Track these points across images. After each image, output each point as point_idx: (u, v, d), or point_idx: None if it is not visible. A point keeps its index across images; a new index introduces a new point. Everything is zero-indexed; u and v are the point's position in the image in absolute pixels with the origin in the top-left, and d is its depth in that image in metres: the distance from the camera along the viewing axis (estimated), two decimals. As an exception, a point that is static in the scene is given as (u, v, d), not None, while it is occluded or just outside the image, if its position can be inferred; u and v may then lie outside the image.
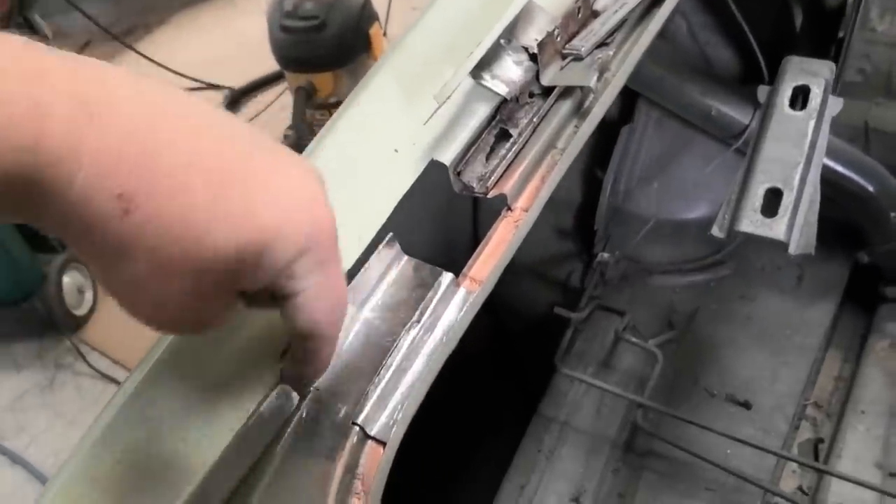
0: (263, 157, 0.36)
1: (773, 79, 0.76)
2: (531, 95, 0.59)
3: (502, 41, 0.58)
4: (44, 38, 2.12)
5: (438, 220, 0.54)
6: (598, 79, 0.59)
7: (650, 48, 1.09)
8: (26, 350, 2.11)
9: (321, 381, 0.47)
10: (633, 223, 1.19)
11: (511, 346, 1.25)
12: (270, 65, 2.64)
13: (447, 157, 0.55)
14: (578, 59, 0.60)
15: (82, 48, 3.14)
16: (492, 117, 0.58)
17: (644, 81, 1.09)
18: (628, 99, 1.17)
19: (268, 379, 0.45)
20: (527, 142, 0.57)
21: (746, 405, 1.06)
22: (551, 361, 1.08)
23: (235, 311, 0.38)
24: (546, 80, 0.59)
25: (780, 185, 0.68)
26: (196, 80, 2.93)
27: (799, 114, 0.72)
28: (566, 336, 1.07)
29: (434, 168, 0.54)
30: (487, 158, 0.57)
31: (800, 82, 0.73)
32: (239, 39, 3.09)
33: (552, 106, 0.59)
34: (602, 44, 0.62)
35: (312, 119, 2.43)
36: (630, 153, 1.17)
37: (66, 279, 2.08)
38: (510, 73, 0.58)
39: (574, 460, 1.04)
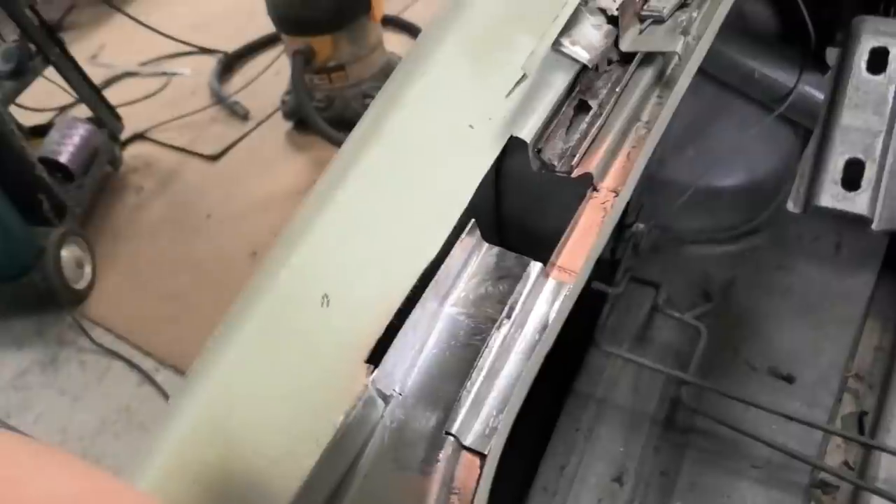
0: None
1: (823, 38, 0.71)
2: (609, 63, 0.54)
3: (579, 4, 0.53)
4: (31, 2, 2.02)
5: (525, 204, 0.49)
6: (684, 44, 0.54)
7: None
8: (25, 327, 2.06)
9: (406, 386, 0.43)
10: (666, 191, 1.15)
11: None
12: (264, 26, 2.55)
13: (526, 132, 0.50)
14: (659, 21, 0.55)
15: (67, 11, 3.02)
16: (571, 88, 0.52)
17: (684, 43, 1.03)
18: (664, 61, 1.11)
19: (353, 387, 0.41)
20: (609, 115, 0.52)
21: (789, 379, 1.02)
22: (587, 337, 1.04)
23: None
24: (626, 46, 0.54)
25: (861, 156, 0.64)
26: (188, 45, 2.83)
27: (878, 78, 0.67)
28: (604, 311, 1.03)
29: (514, 146, 0.49)
30: (567, 133, 0.52)
31: (878, 44, 0.68)
32: (229, 2, 2.98)
33: (633, 74, 0.54)
34: (682, 4, 0.56)
35: (311, 84, 2.35)
36: (665, 119, 1.12)
37: (64, 253, 2.02)
38: (590, 37, 0.52)
39: (613, 439, 1.01)
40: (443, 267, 0.45)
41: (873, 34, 0.69)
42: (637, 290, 1.14)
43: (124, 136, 2.47)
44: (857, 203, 0.62)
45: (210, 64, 2.78)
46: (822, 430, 0.93)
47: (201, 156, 2.49)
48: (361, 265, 0.44)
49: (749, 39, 1.04)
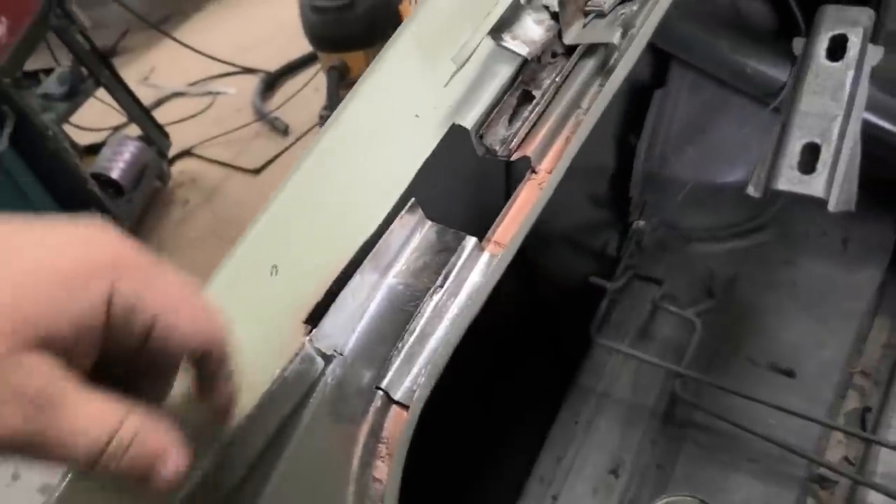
0: (19, 222, 0.33)
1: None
2: (554, 55, 0.58)
3: (522, 1, 0.57)
4: (82, 28, 2.16)
5: (463, 185, 0.53)
6: (622, 35, 0.57)
7: (678, 3, 1.06)
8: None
9: (347, 347, 0.47)
10: (669, 189, 1.17)
11: (548, 316, 1.24)
12: (304, 47, 2.65)
13: (469, 120, 0.54)
14: (601, 15, 0.59)
15: (121, 37, 3.20)
16: (514, 79, 0.56)
17: (675, 41, 1.06)
18: (661, 62, 1.14)
19: (292, 345, 0.45)
20: (550, 103, 0.56)
21: (790, 373, 1.03)
22: (588, 332, 1.07)
23: (124, 404, 0.34)
24: (568, 39, 0.57)
25: (817, 140, 0.66)
26: (233, 65, 2.96)
27: (836, 64, 0.69)
28: (601, 306, 1.05)
29: (456, 132, 0.53)
30: (510, 121, 0.56)
31: (837, 31, 0.70)
32: (273, 23, 3.11)
33: (575, 65, 0.58)
34: (625, 0, 0.60)
35: (346, 98, 2.43)
36: (664, 117, 1.14)
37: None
38: (531, 32, 0.56)
39: (612, 431, 1.03)
40: (382, 240, 0.49)
41: (833, 22, 0.71)
42: (641, 287, 1.16)
43: (172, 152, 2.60)
44: (813, 185, 0.64)
45: (253, 83, 2.91)
46: (819, 423, 0.94)
47: (244, 170, 2.60)
48: (308, 240, 0.49)
49: (741, 35, 1.05)
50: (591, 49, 0.58)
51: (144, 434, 0.33)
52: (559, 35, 0.58)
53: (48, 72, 2.20)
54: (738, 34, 1.06)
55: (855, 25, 0.70)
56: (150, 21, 2.99)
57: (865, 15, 0.71)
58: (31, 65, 2.12)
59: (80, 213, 2.11)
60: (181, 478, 0.34)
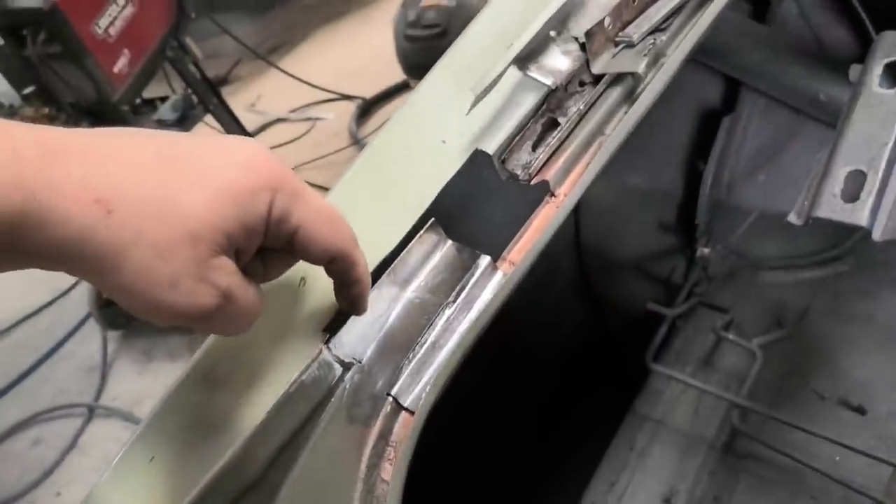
0: (199, 141, 0.42)
1: None
2: (582, 84, 0.60)
3: (552, 33, 0.60)
4: (195, 59, 2.35)
5: (485, 207, 0.56)
6: (650, 65, 0.59)
7: (746, 31, 1.05)
8: (179, 342, 2.34)
9: (364, 356, 0.51)
10: (737, 216, 1.14)
11: (612, 342, 1.24)
12: (398, 74, 2.75)
13: (492, 146, 0.57)
14: (630, 45, 0.60)
15: (233, 67, 3.43)
16: (539, 107, 0.59)
17: (745, 67, 1.04)
18: (731, 88, 1.12)
19: (309, 352, 0.50)
20: (573, 129, 0.58)
21: (860, 410, 0.98)
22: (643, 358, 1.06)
23: (254, 285, 0.43)
24: (596, 69, 0.59)
25: (863, 168, 0.64)
26: (331, 92, 3.11)
27: (889, 92, 0.67)
28: (659, 332, 1.05)
29: (478, 157, 0.56)
30: (535, 147, 0.58)
31: (892, 58, 0.68)
32: (372, 52, 3.24)
33: (602, 94, 0.59)
34: (657, 29, 0.61)
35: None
36: (733, 144, 1.13)
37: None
38: (557, 63, 0.59)
39: (667, 460, 1.02)
40: (401, 256, 0.53)
41: (889, 48, 0.69)
42: (706, 315, 1.15)
43: (272, 174, 2.75)
44: (856, 214, 0.63)
45: (350, 109, 3.04)
46: (886, 462, 0.89)
47: (336, 192, 2.71)
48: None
49: (815, 62, 1.03)
50: (618, 78, 0.59)
51: None
52: (587, 64, 0.60)
53: (164, 99, 2.40)
54: (811, 61, 1.03)
55: (912, 51, 0.68)
56: (260, 51, 3.19)
57: (925, 40, 0.69)
58: (149, 93, 2.32)
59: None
60: None
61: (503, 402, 0.94)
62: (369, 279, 0.48)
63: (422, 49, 2.45)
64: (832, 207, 0.64)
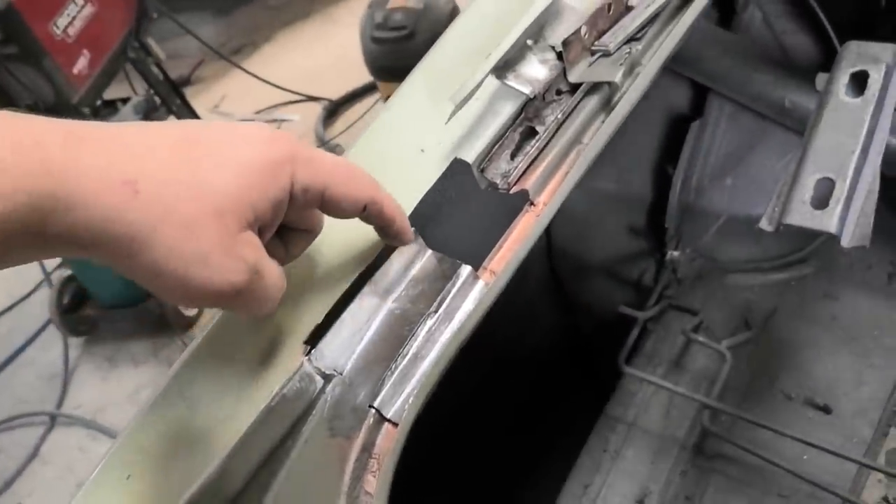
0: (219, 125, 0.43)
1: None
2: (559, 93, 0.61)
3: (529, 41, 0.60)
4: (157, 60, 2.30)
5: (465, 217, 0.56)
6: (626, 74, 0.59)
7: (714, 38, 1.06)
8: (143, 347, 2.29)
9: (346, 367, 0.51)
10: (706, 220, 1.16)
11: (584, 345, 1.25)
12: (365, 75, 2.74)
13: (471, 155, 0.57)
14: (607, 55, 0.61)
15: (195, 67, 3.37)
16: (517, 116, 0.59)
17: (713, 74, 1.06)
18: (699, 94, 1.14)
19: (291, 364, 0.49)
20: (551, 138, 0.58)
21: (826, 409, 1.01)
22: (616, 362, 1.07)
23: (278, 264, 0.44)
24: (573, 78, 0.60)
25: (832, 176, 0.66)
26: (296, 93, 3.08)
27: (855, 101, 0.68)
28: (631, 335, 1.06)
29: (458, 166, 0.56)
30: (513, 156, 0.58)
31: (857, 68, 0.70)
32: (337, 53, 3.22)
33: (579, 102, 0.60)
34: (632, 39, 0.62)
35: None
36: (702, 149, 1.14)
37: (177, 282, 2.24)
38: (535, 72, 0.59)
39: (640, 461, 1.03)
40: (381, 268, 0.52)
41: (855, 58, 0.71)
42: (675, 318, 1.16)
43: (237, 177, 2.71)
44: (825, 221, 0.64)
45: (317, 110, 3.01)
46: (852, 460, 0.91)
47: (304, 195, 2.69)
48: (312, 266, 0.53)
49: (781, 70, 1.05)
50: (595, 87, 0.60)
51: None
52: (564, 74, 0.60)
53: (125, 101, 2.35)
54: (777, 69, 1.05)
55: (877, 62, 0.70)
56: (223, 52, 3.14)
57: (889, 51, 0.71)
58: (109, 94, 2.27)
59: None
60: None
61: (477, 409, 0.94)
62: (402, 211, 0.50)
63: (389, 51, 2.44)
64: (802, 214, 0.65)
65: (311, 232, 0.50)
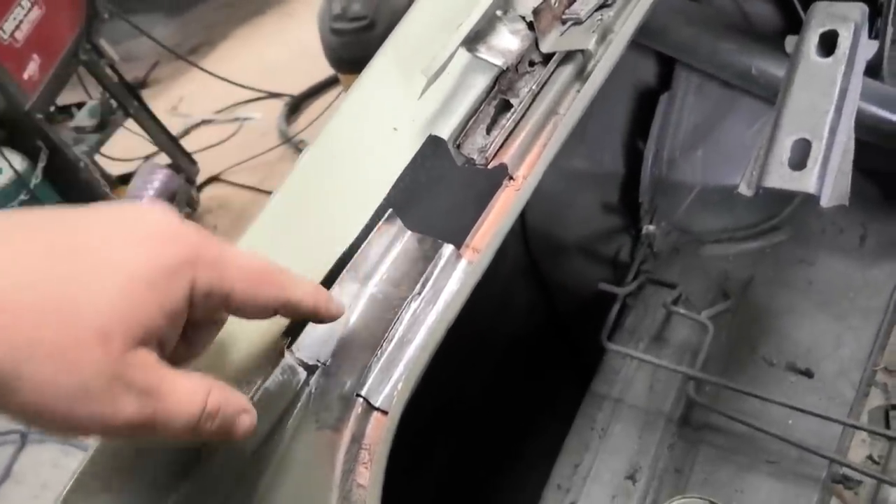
0: (98, 219, 0.37)
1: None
2: (532, 64, 0.59)
3: (498, 12, 0.58)
4: (111, 62, 2.24)
5: (443, 194, 0.54)
6: (599, 41, 0.58)
7: (678, 9, 1.06)
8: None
9: (329, 357, 0.49)
10: (678, 193, 1.16)
11: (564, 324, 1.25)
12: (327, 69, 2.70)
13: (446, 131, 0.55)
14: (578, 22, 0.59)
15: (151, 69, 3.30)
16: (490, 89, 0.57)
17: (678, 45, 1.06)
18: (666, 66, 1.14)
19: (273, 357, 0.47)
20: (527, 111, 0.57)
21: (808, 373, 1.01)
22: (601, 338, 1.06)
23: (188, 373, 0.39)
24: (545, 48, 0.58)
25: (807, 136, 0.65)
26: (257, 90, 3.03)
27: (826, 61, 0.68)
28: (612, 311, 1.05)
29: (433, 143, 0.55)
30: (489, 130, 0.57)
31: (827, 28, 0.69)
32: (297, 48, 3.17)
33: (553, 73, 0.58)
34: (603, 5, 0.61)
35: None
36: (671, 121, 1.14)
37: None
38: (506, 43, 0.57)
39: (628, 437, 1.02)
40: (359, 251, 0.50)
41: (823, 18, 0.70)
42: (654, 292, 1.16)
43: (200, 179, 2.67)
44: (804, 182, 0.64)
45: (278, 107, 2.97)
46: (837, 422, 0.92)
47: (270, 193, 2.64)
48: (289, 253, 0.51)
49: (745, 37, 1.05)
50: (568, 56, 0.59)
51: (226, 402, 0.39)
52: (536, 44, 0.58)
53: (80, 105, 2.28)
54: (742, 36, 1.05)
55: (846, 21, 0.69)
56: (179, 52, 3.07)
57: (857, 10, 0.70)
58: (64, 99, 2.20)
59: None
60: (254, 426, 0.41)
61: (459, 392, 0.93)
62: (325, 296, 0.45)
63: (349, 43, 2.40)
64: (781, 176, 0.64)
65: (220, 324, 0.44)
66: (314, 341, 0.48)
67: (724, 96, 1.13)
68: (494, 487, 1.03)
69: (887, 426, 0.99)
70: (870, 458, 0.97)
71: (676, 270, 1.17)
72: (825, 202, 0.64)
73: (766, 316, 1.09)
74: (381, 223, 0.51)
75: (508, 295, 1.15)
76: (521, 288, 1.18)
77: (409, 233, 0.53)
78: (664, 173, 1.17)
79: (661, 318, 1.13)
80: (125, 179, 2.46)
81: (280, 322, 0.48)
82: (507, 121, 0.56)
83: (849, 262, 1.10)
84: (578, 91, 0.58)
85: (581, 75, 0.59)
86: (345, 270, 0.50)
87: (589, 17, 0.59)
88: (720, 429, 1.00)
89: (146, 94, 2.87)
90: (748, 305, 1.10)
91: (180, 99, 3.20)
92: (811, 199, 0.65)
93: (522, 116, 0.56)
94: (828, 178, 0.64)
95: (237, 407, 0.40)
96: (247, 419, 0.41)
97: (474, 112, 0.57)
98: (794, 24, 1.05)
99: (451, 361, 0.77)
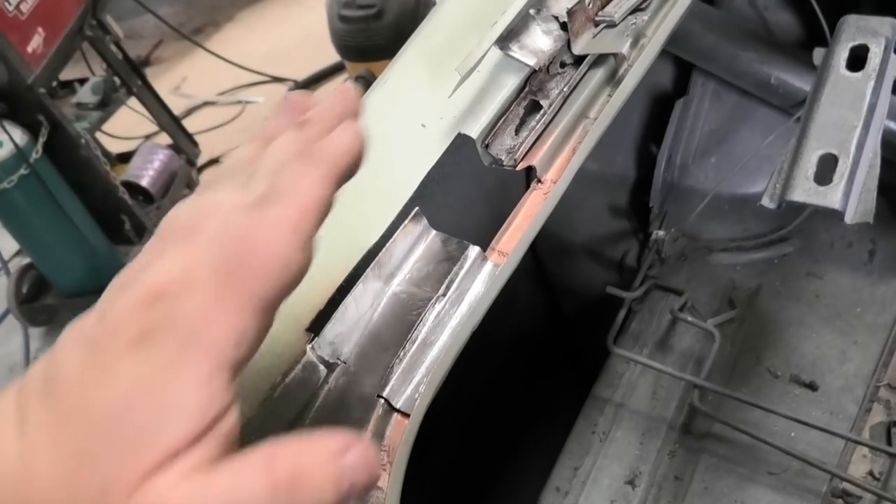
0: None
1: (835, 41, 0.72)
2: (563, 66, 0.58)
3: (531, 11, 0.57)
4: (116, 39, 2.21)
5: (470, 195, 0.54)
6: (632, 45, 0.57)
7: (699, 14, 1.05)
8: (108, 337, 2.22)
9: (350, 355, 0.48)
10: (690, 199, 1.15)
11: (568, 327, 1.24)
12: (332, 55, 2.68)
13: (475, 130, 0.54)
14: (611, 25, 0.58)
15: (155, 47, 3.27)
16: (521, 89, 0.57)
17: (697, 51, 1.05)
18: (683, 71, 1.13)
19: (293, 353, 0.46)
20: (557, 113, 0.56)
21: (812, 386, 1.01)
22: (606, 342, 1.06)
23: None
24: (577, 49, 0.57)
25: (834, 151, 0.64)
26: (261, 74, 3.01)
27: (856, 75, 0.67)
28: (619, 316, 1.04)
29: (461, 141, 0.54)
30: (518, 131, 0.56)
31: (857, 42, 0.69)
32: (303, 33, 3.15)
33: (584, 75, 0.57)
34: (637, 9, 0.60)
35: (373, 107, 2.45)
36: (685, 127, 1.13)
37: (142, 269, 2.17)
38: (539, 43, 0.56)
39: (629, 443, 1.02)
40: (384, 249, 0.49)
41: (854, 32, 0.70)
42: (661, 298, 1.15)
43: (201, 161, 2.64)
44: (829, 197, 0.63)
45: (281, 91, 2.94)
46: (840, 436, 0.92)
47: (271, 178, 2.63)
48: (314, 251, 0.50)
49: (766, 46, 1.04)
50: (600, 59, 0.58)
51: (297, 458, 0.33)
52: (568, 45, 0.57)
53: (83, 81, 2.26)
54: (762, 45, 1.05)
55: (876, 36, 0.69)
56: (184, 32, 3.05)
57: (888, 26, 0.70)
58: (66, 74, 2.18)
59: (110, 220, 2.16)
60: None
61: (463, 392, 0.92)
62: None
63: (357, 30, 2.39)
64: (806, 190, 0.64)
65: None
66: (336, 338, 0.47)
67: (739, 105, 1.13)
68: (493, 488, 1.02)
69: (889, 443, 0.99)
70: (870, 473, 0.97)
71: (683, 277, 1.17)
72: (849, 219, 0.63)
73: (772, 327, 1.09)
74: (406, 221, 0.50)
75: (512, 295, 1.15)
76: (526, 288, 1.17)
77: (434, 232, 0.52)
78: (676, 179, 1.16)
79: (666, 325, 1.12)
80: (125, 158, 2.44)
81: (304, 316, 0.47)
82: (536, 122, 0.55)
83: (857, 277, 1.10)
84: (610, 96, 0.57)
85: (612, 79, 0.58)
86: (369, 269, 0.49)
87: (623, 20, 0.58)
88: (722, 438, 1.00)
89: (149, 73, 2.84)
90: (754, 316, 1.10)
91: (183, 79, 3.17)
92: (826, 213, 0.64)
93: (552, 119, 0.56)
94: (853, 195, 0.64)
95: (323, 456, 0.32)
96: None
97: (504, 112, 0.56)
98: (817, 36, 1.05)
99: (455, 362, 0.77)
